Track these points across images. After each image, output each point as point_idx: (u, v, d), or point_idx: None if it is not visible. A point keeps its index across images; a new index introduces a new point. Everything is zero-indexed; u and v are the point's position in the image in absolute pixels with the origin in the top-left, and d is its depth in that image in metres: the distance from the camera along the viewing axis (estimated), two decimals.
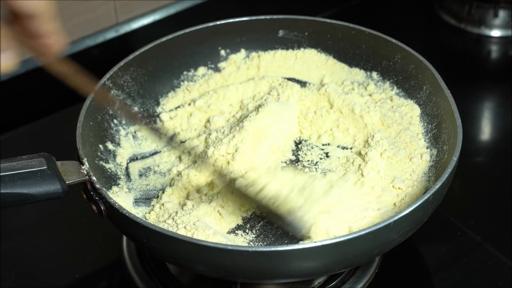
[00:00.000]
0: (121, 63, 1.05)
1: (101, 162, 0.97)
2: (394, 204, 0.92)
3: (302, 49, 1.13)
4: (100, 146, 0.99)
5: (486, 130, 1.25)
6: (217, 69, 1.14)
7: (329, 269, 0.87)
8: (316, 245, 0.79)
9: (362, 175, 0.95)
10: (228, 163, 0.97)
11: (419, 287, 1.01)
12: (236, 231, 0.92)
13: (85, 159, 0.89)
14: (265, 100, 1.05)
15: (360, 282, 0.98)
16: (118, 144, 1.03)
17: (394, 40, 1.06)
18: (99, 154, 0.98)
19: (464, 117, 0.94)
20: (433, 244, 1.04)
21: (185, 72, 1.13)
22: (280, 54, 1.14)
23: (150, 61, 1.08)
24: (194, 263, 0.84)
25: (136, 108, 1.07)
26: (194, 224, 0.88)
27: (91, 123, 0.97)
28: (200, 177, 0.97)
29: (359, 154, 0.99)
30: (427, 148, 0.99)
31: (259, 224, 0.93)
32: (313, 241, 0.85)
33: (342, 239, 0.79)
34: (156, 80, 1.10)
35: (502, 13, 1.39)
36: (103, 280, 1.02)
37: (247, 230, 0.92)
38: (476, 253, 1.03)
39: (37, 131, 1.26)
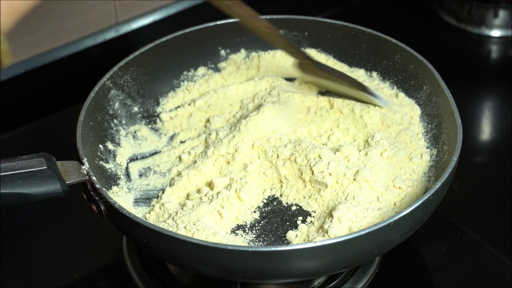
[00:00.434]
0: (121, 63, 1.05)
1: (101, 162, 0.97)
2: (394, 204, 0.92)
3: (302, 49, 1.13)
4: (100, 146, 0.99)
5: (486, 130, 1.25)
6: (217, 69, 1.14)
7: (329, 269, 0.87)
8: (316, 245, 0.79)
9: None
10: (228, 163, 0.97)
11: (419, 287, 1.01)
12: (236, 231, 0.92)
13: (85, 159, 0.89)
14: (265, 100, 1.05)
15: (360, 282, 0.98)
16: (118, 144, 1.03)
17: (394, 40, 1.06)
18: (99, 154, 0.98)
19: (464, 117, 0.94)
20: (433, 244, 1.04)
21: (185, 72, 1.13)
22: (280, 54, 1.14)
23: (150, 61, 1.08)
24: (194, 263, 0.84)
25: (136, 108, 1.07)
26: (194, 224, 0.88)
27: (91, 123, 0.97)
28: (200, 177, 0.97)
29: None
30: (427, 148, 0.99)
31: (259, 224, 0.93)
32: (313, 241, 0.85)
33: (342, 239, 0.79)
34: (156, 80, 1.10)
35: (502, 13, 1.39)
36: (103, 280, 1.02)
37: (247, 230, 0.92)
38: (476, 253, 1.03)
39: (37, 131, 1.26)
